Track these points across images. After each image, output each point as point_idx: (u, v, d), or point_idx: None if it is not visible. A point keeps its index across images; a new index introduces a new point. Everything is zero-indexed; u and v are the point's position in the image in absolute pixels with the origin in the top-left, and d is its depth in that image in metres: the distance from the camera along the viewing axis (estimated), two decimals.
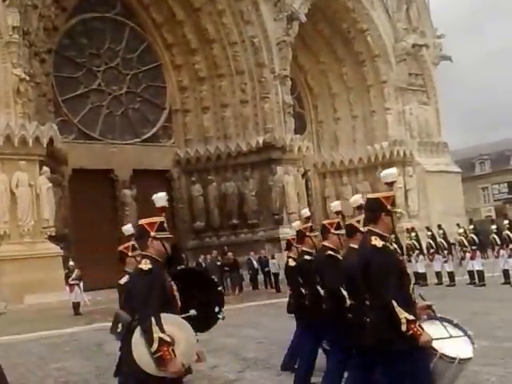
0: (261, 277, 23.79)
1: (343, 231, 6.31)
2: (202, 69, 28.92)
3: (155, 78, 29.30)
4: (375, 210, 4.53)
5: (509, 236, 17.23)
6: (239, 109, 28.69)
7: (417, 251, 19.54)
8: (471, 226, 19.40)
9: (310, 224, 7.54)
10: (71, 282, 19.01)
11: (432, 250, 18.94)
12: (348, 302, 5.58)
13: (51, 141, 21.85)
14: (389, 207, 4.49)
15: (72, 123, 26.83)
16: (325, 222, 6.63)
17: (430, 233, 20.00)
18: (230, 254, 23.68)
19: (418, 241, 20.11)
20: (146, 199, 21.55)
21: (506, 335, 8.98)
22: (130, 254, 6.24)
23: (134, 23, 28.69)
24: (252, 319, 14.23)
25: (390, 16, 33.22)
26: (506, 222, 18.04)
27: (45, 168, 21.36)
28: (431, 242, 19.25)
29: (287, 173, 28.19)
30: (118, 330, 4.41)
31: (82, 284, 19.90)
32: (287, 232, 27.52)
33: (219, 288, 6.27)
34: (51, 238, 21.08)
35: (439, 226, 21.42)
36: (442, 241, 19.46)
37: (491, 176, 51.73)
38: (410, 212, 32.04)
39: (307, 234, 7.31)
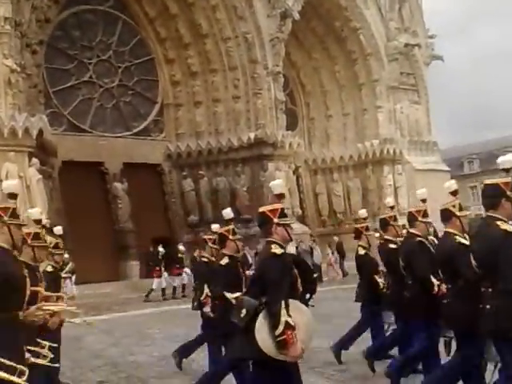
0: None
1: (430, 219, 6.60)
2: (194, 63, 28.30)
3: (147, 71, 28.61)
4: (495, 195, 4.57)
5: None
6: (231, 104, 28.15)
7: None
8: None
9: (394, 213, 7.87)
10: (64, 275, 18.44)
11: None
12: (436, 288, 5.78)
13: (41, 132, 21.28)
14: (508, 193, 4.55)
15: (62, 115, 26.11)
16: (412, 209, 6.84)
17: None
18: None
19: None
20: (137, 193, 20.96)
21: None
22: (230, 237, 6.64)
23: (126, 16, 27.96)
24: None
25: (383, 15, 32.85)
26: None
27: (34, 160, 20.88)
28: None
29: (278, 169, 27.81)
30: (242, 316, 4.40)
31: (74, 277, 19.60)
32: None
33: (314, 275, 6.57)
34: (46, 230, 20.44)
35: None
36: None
37: (480, 175, 51.44)
38: (399, 210, 31.60)
39: (391, 222, 7.45)
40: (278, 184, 4.97)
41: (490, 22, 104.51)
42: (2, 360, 3.79)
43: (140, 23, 28.20)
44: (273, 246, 4.45)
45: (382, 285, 7.60)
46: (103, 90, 27.50)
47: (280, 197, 4.83)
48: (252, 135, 27.48)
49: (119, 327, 14.06)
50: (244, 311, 4.42)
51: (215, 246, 8.18)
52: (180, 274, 21.53)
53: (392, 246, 7.18)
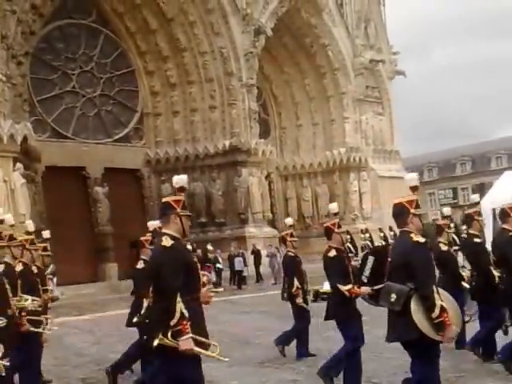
0: (227, 273, 23.09)
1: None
2: (173, 75, 28.14)
3: (128, 82, 28.34)
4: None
5: (453, 238, 16.81)
6: (208, 114, 28.06)
7: (367, 251, 19.07)
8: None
9: (478, 209, 7.82)
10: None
11: None
12: None
13: (25, 139, 20.99)
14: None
15: (46, 122, 25.74)
16: (505, 206, 6.64)
17: (382, 234, 19.63)
18: (198, 251, 22.90)
19: (372, 241, 19.76)
20: (117, 197, 20.65)
21: None
22: (336, 230, 6.56)
23: (108, 30, 27.67)
24: (210, 314, 13.50)
25: (350, 33, 33.04)
26: (452, 225, 17.63)
27: (18, 164, 20.59)
28: (383, 242, 18.88)
29: (252, 175, 27.81)
30: (392, 300, 4.40)
31: (55, 279, 19.23)
32: (252, 231, 27.09)
33: None
34: (29, 233, 20.07)
35: (390, 228, 21.05)
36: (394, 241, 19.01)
37: (438, 182, 52.01)
38: (364, 214, 31.84)
39: (475, 217, 7.27)
40: (413, 177, 4.89)
41: (443, 41, 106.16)
42: (198, 337, 4.13)
43: (121, 37, 27.93)
44: (412, 234, 4.47)
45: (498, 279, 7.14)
46: (86, 100, 27.19)
47: (414, 189, 4.77)
48: (227, 143, 27.40)
49: (100, 326, 13.79)
50: (394, 296, 4.40)
51: (294, 239, 8.72)
52: (210, 272, 21.37)
53: (477, 240, 7.17)
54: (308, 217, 32.22)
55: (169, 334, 4.05)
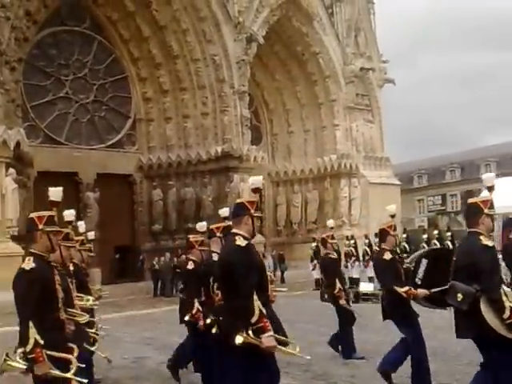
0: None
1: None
2: (165, 82, 28.20)
3: (121, 88, 28.39)
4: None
5: (436, 245, 16.91)
6: (200, 120, 28.11)
7: (353, 258, 19.14)
8: (404, 235, 19.04)
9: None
10: None
11: (367, 257, 18.53)
12: None
13: (18, 144, 21.02)
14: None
15: (39, 128, 25.77)
16: None
17: (367, 241, 19.64)
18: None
19: (356, 248, 19.81)
20: (108, 202, 20.56)
21: None
22: (392, 232, 6.65)
23: (102, 37, 27.75)
24: None
25: (340, 41, 33.19)
26: (436, 232, 17.77)
27: (11, 170, 20.59)
28: (367, 249, 18.91)
29: (243, 180, 27.68)
30: (459, 299, 4.47)
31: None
32: None
33: None
34: (14, 238, 20.03)
35: (376, 235, 21.02)
36: (378, 248, 19.00)
37: (427, 189, 52.13)
38: (351, 220, 31.91)
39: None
40: (489, 176, 4.89)
41: (430, 49, 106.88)
42: (278, 336, 4.23)
43: (115, 44, 28.00)
44: (481, 237, 4.45)
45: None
46: (79, 105, 27.23)
47: (491, 189, 4.79)
48: (219, 149, 27.46)
49: None
50: (460, 295, 4.44)
51: (334, 241, 8.74)
52: None
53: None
54: (295, 223, 32.31)
55: (250, 332, 4.10)
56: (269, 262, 25.09)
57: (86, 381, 4.08)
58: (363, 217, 31.82)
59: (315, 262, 19.81)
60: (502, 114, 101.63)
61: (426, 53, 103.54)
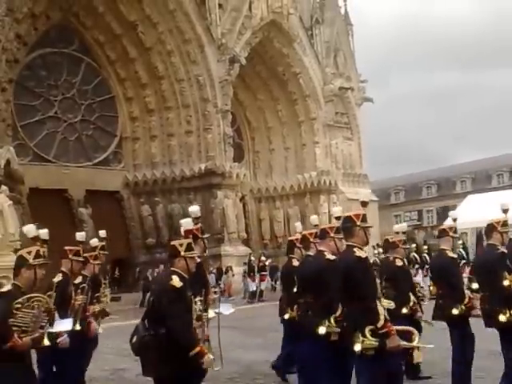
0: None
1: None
2: (151, 101, 28.96)
3: (108, 108, 29.13)
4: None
5: (415, 257, 17.67)
6: (184, 138, 28.85)
7: None
8: (380, 250, 19.76)
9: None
10: None
11: None
12: None
13: (8, 162, 21.47)
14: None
15: (28, 147, 26.40)
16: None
17: None
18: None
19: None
20: (100, 217, 21.13)
21: None
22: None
23: (89, 59, 28.50)
24: None
25: (320, 62, 34.18)
26: (414, 245, 18.51)
27: (3, 187, 20.85)
28: None
29: (227, 197, 28.44)
30: None
31: None
32: (228, 250, 27.75)
33: None
34: (17, 252, 20.38)
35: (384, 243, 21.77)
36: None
37: (404, 205, 52.93)
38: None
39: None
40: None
41: (402, 69, 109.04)
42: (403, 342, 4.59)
43: (102, 65, 28.75)
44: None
45: None
46: (67, 125, 27.88)
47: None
48: (203, 166, 28.19)
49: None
50: None
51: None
52: (263, 280, 21.80)
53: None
54: (280, 237, 32.96)
55: (369, 335, 4.42)
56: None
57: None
58: None
59: None
60: (470, 133, 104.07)
61: (395, 73, 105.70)
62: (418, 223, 51.35)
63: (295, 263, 7.28)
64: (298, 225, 7.98)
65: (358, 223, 4.74)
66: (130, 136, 29.28)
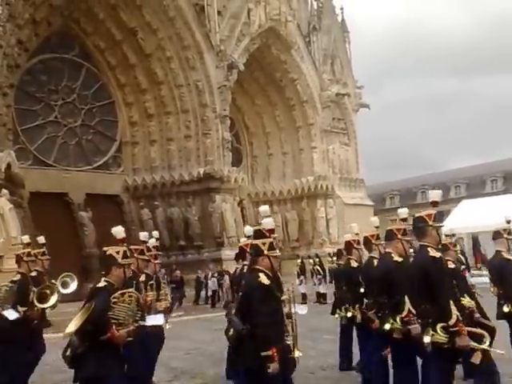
0: (203, 293, 23.62)
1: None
2: (150, 107, 28.97)
3: (108, 113, 29.10)
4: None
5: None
6: (183, 143, 28.85)
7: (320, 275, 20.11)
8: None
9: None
10: None
11: None
12: None
13: (9, 166, 21.41)
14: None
15: (29, 151, 26.32)
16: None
17: None
18: (177, 271, 23.48)
19: (321, 265, 20.80)
20: (100, 220, 20.96)
21: None
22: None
23: (90, 64, 28.48)
24: (182, 332, 13.82)
25: (317, 68, 34.32)
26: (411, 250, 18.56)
27: (4, 190, 20.81)
28: None
29: (225, 201, 28.43)
30: None
31: None
32: (228, 253, 27.63)
33: None
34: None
35: None
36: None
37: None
38: (331, 239, 32.60)
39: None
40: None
41: (396, 78, 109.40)
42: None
43: (102, 70, 28.73)
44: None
45: None
46: (67, 129, 27.83)
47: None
48: (201, 170, 28.17)
49: None
50: None
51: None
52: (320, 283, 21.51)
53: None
54: (279, 241, 32.88)
55: (439, 331, 4.52)
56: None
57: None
58: (341, 235, 32.58)
59: (302, 277, 20.84)
60: (464, 139, 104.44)
61: (391, 80, 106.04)
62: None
63: (354, 264, 7.34)
64: (355, 226, 7.94)
65: (431, 223, 4.76)
66: (130, 140, 29.27)
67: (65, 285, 6.98)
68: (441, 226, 4.86)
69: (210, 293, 22.93)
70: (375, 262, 6.45)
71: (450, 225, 14.04)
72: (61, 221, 25.82)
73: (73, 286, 6.92)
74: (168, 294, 8.01)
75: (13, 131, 24.71)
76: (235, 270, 7.98)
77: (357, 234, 7.56)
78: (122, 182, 28.86)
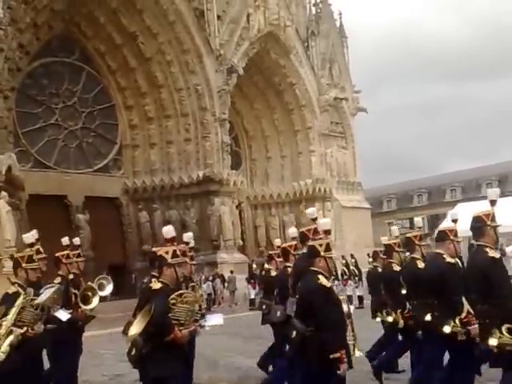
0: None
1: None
2: (150, 110, 28.94)
3: (108, 116, 29.06)
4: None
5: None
6: (183, 146, 28.83)
7: (333, 277, 19.74)
8: (353, 260, 19.75)
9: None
10: None
11: (345, 276, 19.07)
12: None
13: (9, 168, 21.30)
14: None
15: (29, 153, 26.28)
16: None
17: (344, 261, 20.23)
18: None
19: (335, 267, 20.41)
20: (98, 223, 20.95)
21: None
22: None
23: (90, 68, 28.46)
24: None
25: (316, 73, 34.36)
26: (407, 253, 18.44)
27: (3, 193, 20.76)
28: (345, 269, 19.45)
29: (223, 204, 28.38)
30: None
31: None
32: (224, 257, 27.61)
33: None
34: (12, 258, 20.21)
35: (352, 256, 21.71)
36: (354, 268, 19.75)
37: (396, 213, 52.93)
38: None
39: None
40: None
41: (396, 82, 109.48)
42: None
43: (103, 74, 28.71)
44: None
45: None
46: (68, 132, 27.79)
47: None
48: (201, 173, 28.14)
49: None
50: None
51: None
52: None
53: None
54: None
55: (505, 332, 4.49)
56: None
57: None
58: (338, 239, 32.54)
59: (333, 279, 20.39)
60: (460, 143, 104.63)
61: (388, 85, 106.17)
62: (410, 231, 51.26)
63: (396, 268, 7.14)
64: (395, 229, 7.83)
65: (488, 222, 4.68)
66: (130, 143, 29.24)
67: (101, 287, 7.00)
68: (498, 226, 4.74)
69: (205, 296, 22.70)
70: (418, 263, 6.32)
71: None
72: (58, 223, 25.67)
73: (109, 288, 6.96)
74: (203, 295, 7.84)
75: (14, 134, 24.68)
76: (264, 272, 7.67)
77: (397, 237, 7.41)
78: (122, 184, 28.80)
